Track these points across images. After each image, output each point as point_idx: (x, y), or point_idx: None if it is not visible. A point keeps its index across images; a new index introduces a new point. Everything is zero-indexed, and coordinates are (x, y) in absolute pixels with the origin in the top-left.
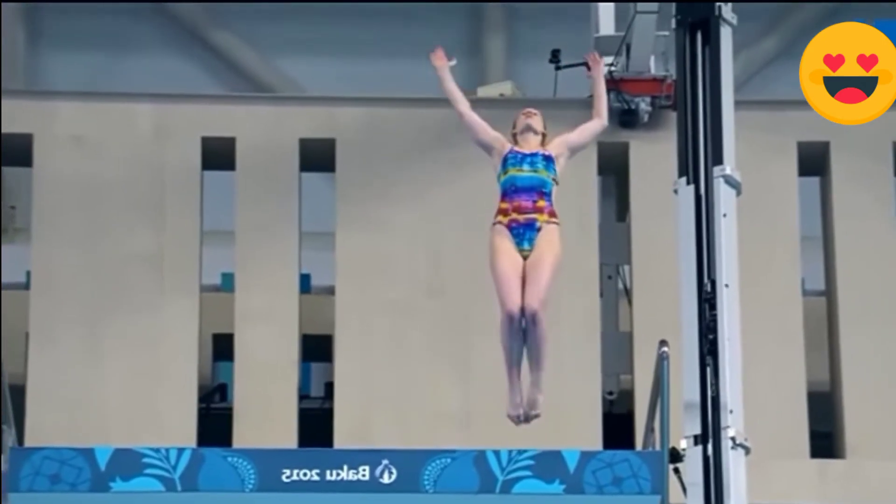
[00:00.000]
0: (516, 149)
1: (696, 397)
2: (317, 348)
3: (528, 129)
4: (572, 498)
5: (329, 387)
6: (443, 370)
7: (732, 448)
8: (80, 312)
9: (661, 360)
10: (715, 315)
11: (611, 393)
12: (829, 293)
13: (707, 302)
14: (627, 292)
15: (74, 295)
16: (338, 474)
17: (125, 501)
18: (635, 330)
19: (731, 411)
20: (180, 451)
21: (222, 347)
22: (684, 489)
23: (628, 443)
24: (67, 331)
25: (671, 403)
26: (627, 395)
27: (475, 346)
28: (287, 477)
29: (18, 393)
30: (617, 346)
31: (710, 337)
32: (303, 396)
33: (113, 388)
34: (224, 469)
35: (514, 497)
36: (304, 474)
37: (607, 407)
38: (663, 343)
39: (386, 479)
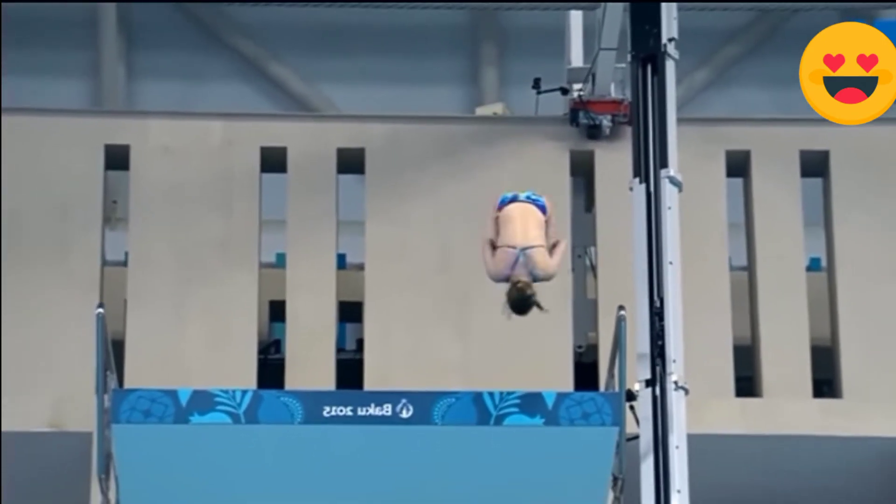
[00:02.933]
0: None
1: (647, 350)
2: (350, 312)
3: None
4: (550, 429)
5: (360, 342)
6: (448, 331)
7: (675, 390)
8: (166, 285)
9: (619, 321)
10: (662, 286)
11: (580, 347)
12: (750, 268)
13: (655, 276)
14: (593, 268)
15: (162, 271)
16: (366, 410)
17: (201, 431)
18: (599, 297)
19: (674, 361)
20: (244, 392)
21: (276, 311)
22: (637, 421)
23: (594, 386)
24: (156, 299)
25: (627, 355)
26: (593, 349)
27: (474, 313)
28: (327, 412)
29: (119, 347)
30: (585, 310)
31: (658, 302)
32: (339, 350)
33: (192, 343)
34: (278, 406)
35: (504, 428)
36: (341, 410)
37: (577, 358)
38: (621, 308)
39: (404, 414)
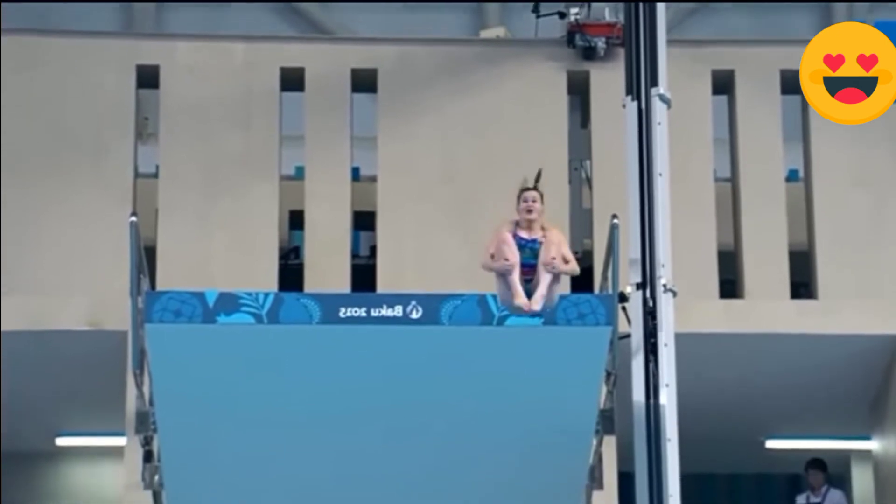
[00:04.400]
0: (519, 233)
1: (638, 255)
2: (364, 221)
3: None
4: (548, 329)
5: (373, 249)
6: (454, 238)
7: (664, 292)
8: (193, 196)
9: (613, 229)
10: (652, 195)
11: (577, 253)
12: (734, 179)
13: (646, 187)
14: (588, 180)
15: (189, 183)
16: (379, 311)
17: (227, 330)
18: (594, 207)
19: (663, 265)
20: (266, 294)
21: (296, 220)
22: (629, 321)
23: (589, 289)
24: (185, 208)
25: (620, 260)
26: (589, 255)
27: (478, 221)
28: (343, 313)
29: (150, 253)
30: (581, 219)
31: (648, 210)
32: (354, 255)
33: (217, 250)
34: (297, 308)
35: (506, 328)
36: (355, 311)
37: None
38: (614, 217)
39: (414, 315)
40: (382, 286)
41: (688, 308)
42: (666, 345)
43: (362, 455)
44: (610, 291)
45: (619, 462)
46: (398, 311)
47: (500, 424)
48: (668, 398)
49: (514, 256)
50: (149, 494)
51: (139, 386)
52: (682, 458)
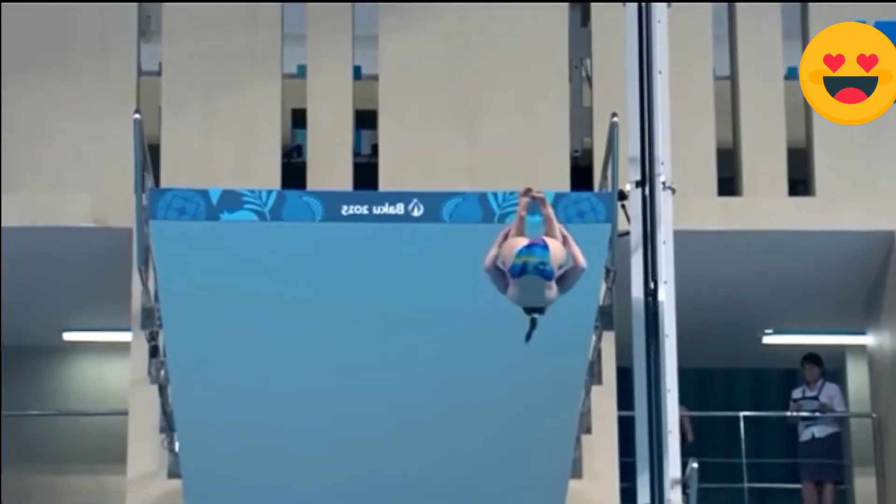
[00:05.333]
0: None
1: (638, 153)
2: (366, 119)
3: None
4: None
5: (375, 147)
6: (457, 137)
7: (663, 190)
8: (196, 93)
9: (613, 127)
10: (651, 93)
11: (576, 151)
12: (733, 77)
13: (646, 85)
14: (589, 78)
15: (193, 80)
16: (381, 209)
17: (230, 227)
18: (594, 105)
19: (662, 163)
20: (269, 192)
21: (298, 119)
22: (628, 219)
23: (589, 187)
24: (188, 106)
25: (619, 158)
26: (588, 153)
27: (480, 119)
28: (345, 211)
29: (154, 151)
30: (581, 118)
31: (648, 108)
32: (356, 154)
33: (221, 148)
34: (300, 205)
35: (507, 225)
36: (357, 209)
37: (574, 162)
38: (614, 115)
39: (416, 213)
40: (384, 184)
41: (686, 205)
42: (664, 242)
43: (363, 350)
44: (609, 189)
45: (617, 357)
46: (399, 208)
47: (500, 321)
48: (666, 295)
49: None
50: (155, 389)
51: (144, 282)
52: (679, 353)
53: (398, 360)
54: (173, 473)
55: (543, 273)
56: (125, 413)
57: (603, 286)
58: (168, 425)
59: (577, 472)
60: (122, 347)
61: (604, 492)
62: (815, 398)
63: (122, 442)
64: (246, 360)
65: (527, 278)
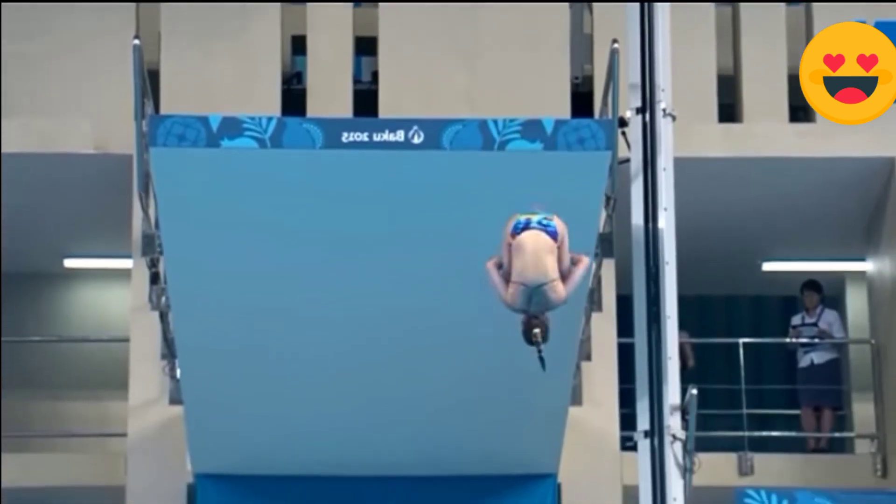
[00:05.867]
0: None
1: (638, 80)
2: (366, 46)
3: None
4: (549, 154)
5: (375, 74)
6: (457, 64)
7: (663, 116)
8: (197, 20)
9: (613, 53)
10: (652, 19)
11: (577, 78)
12: (733, 4)
13: (647, 11)
14: (589, 4)
15: (193, 6)
16: (381, 136)
17: (230, 155)
18: (595, 32)
19: (662, 89)
20: (269, 119)
21: (298, 45)
22: (629, 146)
23: (589, 114)
24: (188, 35)
25: (620, 85)
26: (589, 80)
27: (481, 47)
28: (345, 138)
29: (154, 77)
30: (581, 44)
31: (648, 35)
32: (356, 81)
33: (221, 74)
34: (300, 132)
35: (507, 153)
36: (358, 136)
37: (574, 88)
38: (615, 41)
39: (416, 140)
40: (384, 111)
41: (687, 132)
42: (664, 169)
43: (364, 276)
44: (610, 116)
45: (617, 285)
46: (400, 136)
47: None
48: (666, 222)
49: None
50: (155, 316)
51: (145, 209)
52: (679, 280)
53: (399, 286)
54: (175, 400)
55: (547, 228)
56: (126, 340)
57: (603, 213)
58: (169, 352)
59: (576, 399)
60: (124, 274)
61: (604, 418)
62: (815, 325)
63: (123, 368)
64: (246, 286)
65: (527, 290)
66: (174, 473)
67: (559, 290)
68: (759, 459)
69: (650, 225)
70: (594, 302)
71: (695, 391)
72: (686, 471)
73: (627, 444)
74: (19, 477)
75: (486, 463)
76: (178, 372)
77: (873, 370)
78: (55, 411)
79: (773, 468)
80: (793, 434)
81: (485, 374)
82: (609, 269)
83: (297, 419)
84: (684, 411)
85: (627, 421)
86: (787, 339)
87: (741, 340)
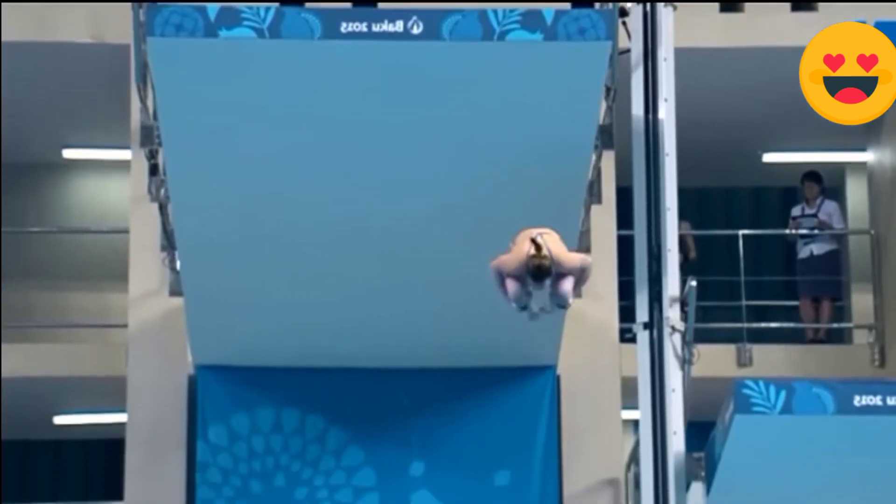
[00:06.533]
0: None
1: None
2: None
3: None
4: (549, 44)
5: None
6: None
7: (664, 7)
8: None
9: None
10: None
11: None
12: None
13: None
14: None
15: None
16: (380, 26)
17: (228, 45)
18: None
19: None
20: (267, 8)
21: None
22: (629, 36)
23: (589, 3)
24: None
25: None
26: None
27: None
28: (344, 28)
29: None
30: None
31: None
32: None
33: None
34: (298, 22)
35: (506, 43)
36: (356, 26)
37: None
38: None
39: (415, 31)
40: (383, 1)
41: (688, 22)
42: (665, 59)
43: (362, 165)
44: (610, 6)
45: (617, 177)
46: (399, 26)
47: (501, 140)
48: (666, 113)
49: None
50: (155, 207)
51: (143, 100)
52: (679, 172)
53: (397, 175)
54: (175, 291)
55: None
56: (126, 231)
57: (603, 105)
58: (169, 244)
59: (576, 291)
60: (123, 165)
61: (603, 310)
62: (814, 215)
63: (123, 260)
64: (245, 176)
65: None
66: (175, 365)
67: (563, 247)
68: (758, 351)
69: (650, 116)
70: (594, 194)
71: (694, 283)
72: (685, 362)
73: (627, 336)
74: (19, 367)
75: (486, 355)
76: (178, 263)
77: (872, 261)
78: (55, 302)
79: (771, 359)
80: (791, 325)
81: (483, 263)
82: (609, 160)
83: (297, 310)
84: (683, 303)
85: (627, 313)
86: (787, 231)
87: (741, 232)
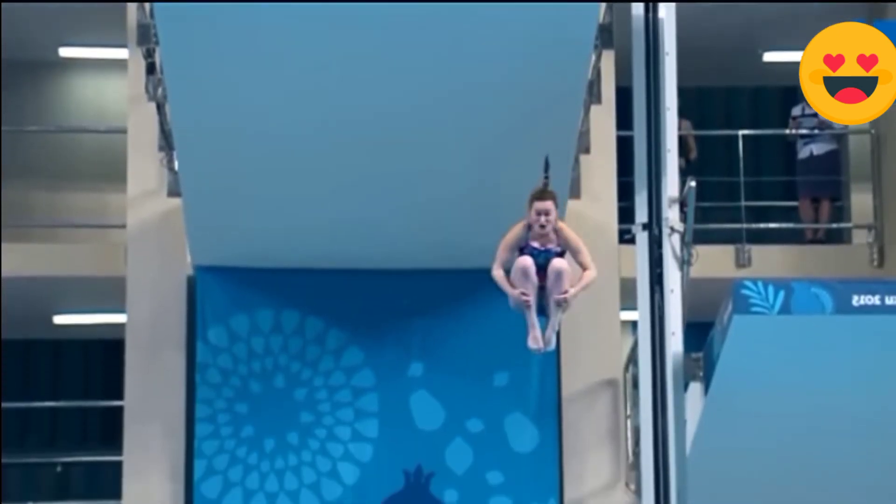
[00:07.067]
0: (532, 243)
1: None
2: None
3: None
4: None
5: None
6: None
7: None
8: None
9: None
10: None
11: None
12: None
13: None
14: None
15: None
16: None
17: None
18: None
19: None
20: None
21: None
22: None
23: None
24: None
25: None
26: None
27: None
28: None
29: None
30: None
31: None
32: None
33: None
34: None
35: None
36: None
37: None
38: None
39: None
40: None
41: None
42: None
43: (361, 58)
44: None
45: (617, 77)
46: None
47: (500, 37)
48: (666, 11)
49: (531, 292)
50: (153, 106)
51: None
52: (679, 71)
53: (396, 68)
54: (173, 192)
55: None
56: (124, 131)
57: (602, 3)
58: (167, 143)
59: (575, 192)
60: (120, 64)
61: (602, 211)
62: (815, 115)
63: (122, 160)
64: (242, 73)
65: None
66: (174, 265)
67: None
68: (757, 251)
69: (650, 15)
70: (593, 94)
71: (693, 183)
72: (684, 263)
73: (626, 237)
74: (19, 266)
75: (486, 256)
76: (177, 164)
77: (872, 160)
78: (54, 202)
79: (770, 260)
80: (790, 226)
81: (479, 158)
82: (608, 60)
83: (297, 211)
84: (683, 203)
85: (626, 214)
86: (787, 131)
87: (740, 132)
